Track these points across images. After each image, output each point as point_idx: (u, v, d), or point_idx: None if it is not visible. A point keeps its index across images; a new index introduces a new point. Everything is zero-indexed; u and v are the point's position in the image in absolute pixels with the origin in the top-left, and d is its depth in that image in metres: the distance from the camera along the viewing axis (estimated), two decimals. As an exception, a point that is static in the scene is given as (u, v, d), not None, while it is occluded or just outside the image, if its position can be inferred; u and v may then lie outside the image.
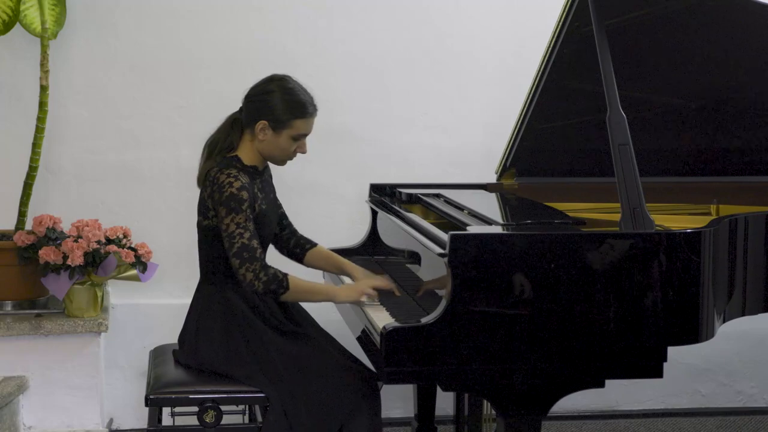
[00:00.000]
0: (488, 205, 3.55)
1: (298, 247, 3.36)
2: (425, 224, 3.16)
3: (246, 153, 3.10)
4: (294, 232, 3.37)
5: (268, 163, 3.18)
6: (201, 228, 3.09)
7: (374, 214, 3.86)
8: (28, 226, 3.98)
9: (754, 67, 3.62)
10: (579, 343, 2.71)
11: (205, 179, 3.05)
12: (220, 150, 3.10)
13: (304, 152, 3.13)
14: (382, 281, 3.15)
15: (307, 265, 3.38)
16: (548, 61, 3.53)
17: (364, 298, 3.05)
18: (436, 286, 2.88)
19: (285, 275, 2.96)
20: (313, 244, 3.38)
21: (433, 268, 2.95)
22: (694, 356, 4.49)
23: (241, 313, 3.02)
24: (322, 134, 3.59)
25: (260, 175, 3.13)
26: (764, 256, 3.13)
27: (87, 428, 3.94)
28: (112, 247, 3.80)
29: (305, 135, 3.10)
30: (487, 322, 2.67)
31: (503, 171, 3.93)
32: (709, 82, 3.68)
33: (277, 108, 3.04)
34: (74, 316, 3.89)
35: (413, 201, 3.71)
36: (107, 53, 4.20)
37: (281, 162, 3.14)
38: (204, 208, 3.05)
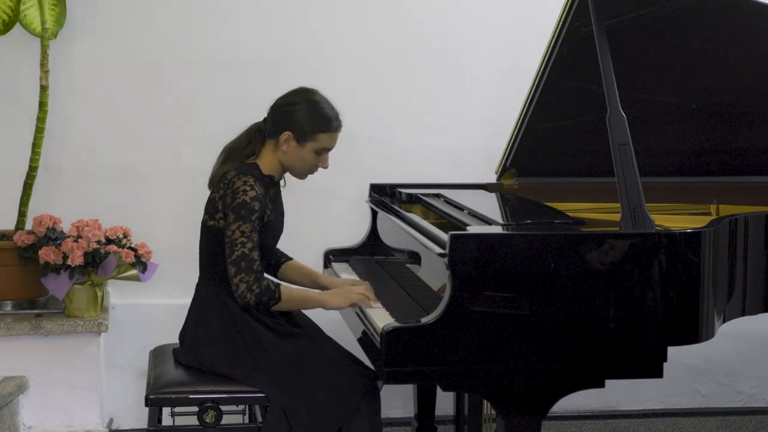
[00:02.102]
0: (488, 205, 3.55)
1: (273, 260, 3.35)
2: (425, 224, 3.16)
3: (265, 162, 3.10)
4: (274, 249, 3.36)
5: (284, 176, 3.19)
6: (205, 228, 3.09)
7: (374, 214, 3.86)
8: (28, 226, 3.98)
9: (755, 67, 3.62)
10: (579, 343, 2.71)
11: (219, 181, 3.05)
12: (239, 156, 3.10)
13: (325, 167, 3.15)
14: (364, 288, 3.12)
15: (281, 279, 3.36)
16: (548, 61, 3.53)
17: (357, 303, 3.05)
18: (436, 286, 2.88)
19: (277, 285, 2.97)
20: (288, 258, 3.39)
21: (433, 268, 2.95)
22: (694, 356, 4.49)
23: (239, 316, 3.02)
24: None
25: (274, 186, 3.14)
26: (764, 256, 3.13)
27: (87, 428, 3.94)
28: (112, 247, 3.80)
29: (328, 149, 3.12)
30: (487, 322, 2.67)
31: (503, 171, 3.93)
32: (709, 82, 3.68)
33: (303, 120, 3.05)
34: (74, 316, 3.89)
35: (413, 201, 3.71)
36: (107, 53, 4.20)
37: (302, 175, 3.15)
38: (212, 209, 3.05)
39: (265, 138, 3.11)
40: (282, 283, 3.03)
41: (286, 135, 3.06)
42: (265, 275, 3.10)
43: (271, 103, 3.14)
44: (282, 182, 3.21)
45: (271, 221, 3.08)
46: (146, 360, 3.45)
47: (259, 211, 2.96)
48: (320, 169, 3.19)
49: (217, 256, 3.05)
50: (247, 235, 2.94)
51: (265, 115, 3.14)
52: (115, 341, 4.14)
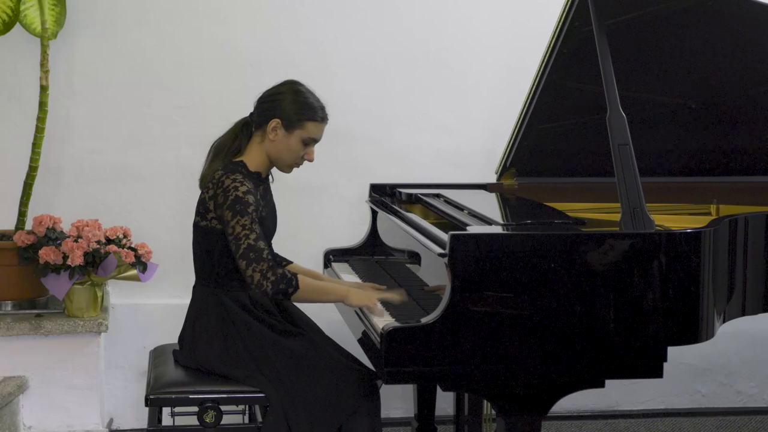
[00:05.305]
0: (488, 205, 3.55)
1: None
2: (425, 224, 3.16)
3: (252, 158, 3.09)
4: (270, 247, 3.35)
5: (271, 171, 3.17)
6: (197, 228, 3.08)
7: (374, 214, 3.86)
8: (28, 226, 3.98)
9: (755, 67, 3.62)
10: (579, 344, 2.71)
11: (209, 181, 3.05)
12: (227, 153, 3.09)
13: (311, 160, 3.13)
14: (397, 295, 3.06)
15: None
16: (548, 61, 3.53)
17: (378, 305, 2.99)
18: (436, 287, 2.88)
19: (294, 275, 2.92)
20: (288, 261, 3.38)
21: (433, 268, 2.95)
22: (694, 356, 4.49)
23: (236, 316, 3.01)
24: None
25: (263, 183, 3.13)
26: (764, 256, 3.13)
27: (87, 428, 3.94)
28: (112, 247, 3.80)
29: (315, 141, 3.11)
30: (487, 322, 2.67)
31: (503, 171, 3.93)
32: (709, 82, 3.68)
33: (290, 108, 3.05)
34: (74, 316, 3.89)
35: (413, 201, 3.71)
36: (107, 53, 4.20)
37: (288, 167, 3.13)
38: (203, 209, 3.04)
39: (252, 132, 3.10)
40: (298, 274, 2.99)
41: (274, 123, 3.04)
42: None
43: (257, 96, 3.13)
44: (270, 178, 3.20)
45: (264, 218, 3.07)
46: (146, 360, 3.45)
47: (253, 203, 2.95)
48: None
49: (211, 256, 3.04)
50: (248, 227, 2.92)
51: (252, 110, 3.13)
52: (115, 341, 4.15)
